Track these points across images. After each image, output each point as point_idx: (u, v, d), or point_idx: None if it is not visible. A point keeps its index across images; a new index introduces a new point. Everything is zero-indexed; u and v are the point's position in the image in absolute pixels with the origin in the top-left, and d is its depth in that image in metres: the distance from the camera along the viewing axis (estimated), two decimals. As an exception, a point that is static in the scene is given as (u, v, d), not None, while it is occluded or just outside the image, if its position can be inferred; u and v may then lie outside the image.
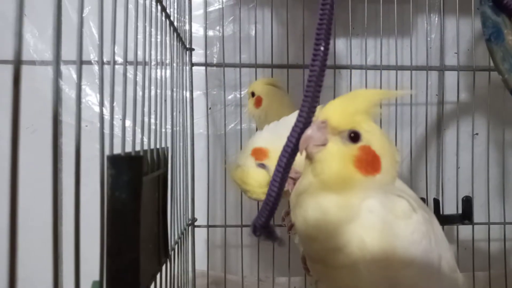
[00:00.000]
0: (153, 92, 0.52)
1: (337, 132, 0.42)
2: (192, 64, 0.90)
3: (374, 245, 0.41)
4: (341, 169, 0.42)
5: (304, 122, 0.43)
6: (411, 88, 0.92)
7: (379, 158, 0.43)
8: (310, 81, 0.42)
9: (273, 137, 0.59)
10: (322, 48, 0.42)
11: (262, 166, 0.60)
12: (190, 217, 0.86)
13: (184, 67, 0.84)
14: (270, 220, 0.46)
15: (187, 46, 0.87)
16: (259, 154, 0.61)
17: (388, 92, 0.46)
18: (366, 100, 0.44)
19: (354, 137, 0.42)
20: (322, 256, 0.44)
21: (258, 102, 0.87)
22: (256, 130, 0.89)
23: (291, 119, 0.48)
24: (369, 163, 0.42)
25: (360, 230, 0.41)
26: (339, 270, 0.43)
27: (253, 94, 0.88)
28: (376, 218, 0.42)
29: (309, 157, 0.43)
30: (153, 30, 0.52)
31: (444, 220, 0.88)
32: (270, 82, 0.89)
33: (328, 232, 0.42)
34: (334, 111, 0.43)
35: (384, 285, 0.43)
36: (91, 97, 1.00)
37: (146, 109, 0.47)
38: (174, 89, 0.70)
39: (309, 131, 0.42)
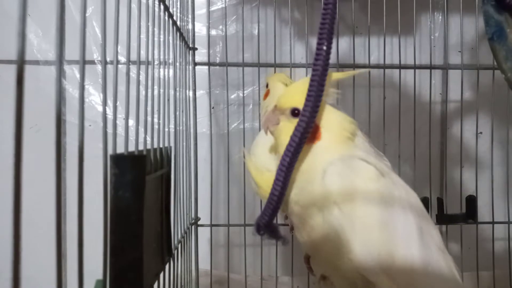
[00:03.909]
0: (156, 92, 0.52)
1: (283, 112, 0.51)
2: (195, 64, 0.90)
3: (337, 189, 0.45)
4: (287, 140, 0.48)
5: (307, 122, 0.43)
6: (414, 87, 0.91)
7: (319, 128, 0.49)
8: (313, 80, 0.42)
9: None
10: (324, 48, 0.42)
11: None
12: (193, 216, 0.87)
13: (187, 67, 0.84)
14: (273, 219, 0.46)
15: (190, 45, 0.87)
16: None
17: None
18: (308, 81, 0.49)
19: (295, 113, 0.50)
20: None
21: (266, 95, 0.87)
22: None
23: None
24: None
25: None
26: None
27: (267, 86, 0.87)
28: (339, 168, 0.46)
29: (273, 136, 0.53)
30: (156, 29, 0.52)
31: (448, 219, 0.88)
32: (282, 80, 0.88)
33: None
34: (281, 96, 0.53)
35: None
36: (94, 97, 1.01)
37: (149, 109, 0.47)
38: (177, 89, 0.70)
39: (266, 115, 0.52)
